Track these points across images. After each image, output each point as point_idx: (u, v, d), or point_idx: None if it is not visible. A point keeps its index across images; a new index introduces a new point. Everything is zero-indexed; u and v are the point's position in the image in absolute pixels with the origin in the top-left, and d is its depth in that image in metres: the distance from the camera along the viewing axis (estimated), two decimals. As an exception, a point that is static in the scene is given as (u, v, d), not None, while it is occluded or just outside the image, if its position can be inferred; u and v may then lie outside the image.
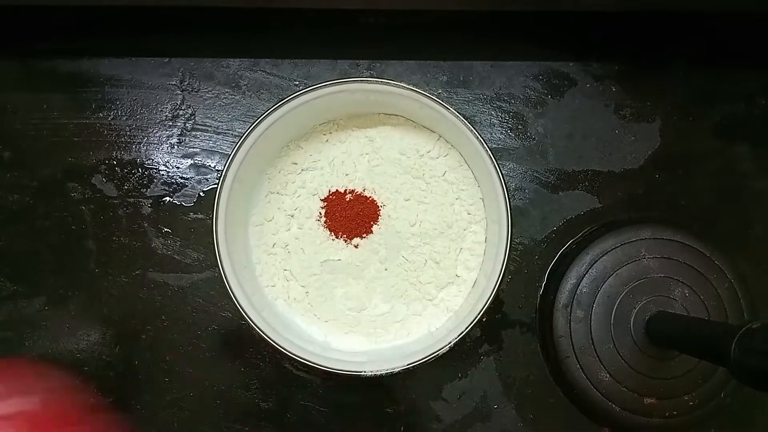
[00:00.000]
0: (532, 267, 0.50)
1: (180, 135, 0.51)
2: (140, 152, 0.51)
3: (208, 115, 0.51)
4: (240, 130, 0.51)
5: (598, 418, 0.47)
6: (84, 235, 0.50)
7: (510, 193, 0.43)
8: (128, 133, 0.51)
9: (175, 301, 0.49)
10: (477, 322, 0.41)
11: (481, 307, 0.42)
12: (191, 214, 0.50)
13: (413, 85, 0.43)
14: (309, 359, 0.41)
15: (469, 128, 0.43)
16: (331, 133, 0.49)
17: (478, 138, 0.43)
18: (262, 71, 0.51)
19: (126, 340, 0.49)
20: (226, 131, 0.51)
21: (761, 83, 0.52)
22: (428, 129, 0.48)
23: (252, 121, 0.43)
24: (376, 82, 0.44)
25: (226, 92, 0.51)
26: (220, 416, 0.48)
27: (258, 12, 0.49)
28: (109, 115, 0.51)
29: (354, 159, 0.48)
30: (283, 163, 0.48)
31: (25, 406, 0.40)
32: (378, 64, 0.51)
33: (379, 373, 0.41)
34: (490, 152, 0.42)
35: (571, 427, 0.48)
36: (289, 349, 0.41)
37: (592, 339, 0.46)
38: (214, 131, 0.51)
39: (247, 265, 0.46)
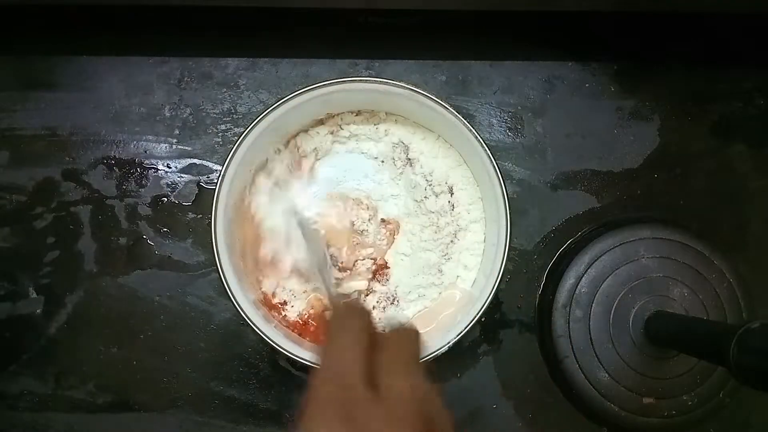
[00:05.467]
0: (530, 267, 0.50)
1: (178, 134, 0.51)
2: (138, 152, 0.50)
3: (207, 115, 0.51)
4: (238, 130, 0.50)
5: (596, 417, 0.47)
6: (82, 235, 0.49)
7: (509, 193, 0.43)
8: (126, 132, 0.50)
9: (173, 301, 0.49)
10: (476, 321, 0.41)
11: (480, 307, 0.42)
12: (190, 213, 0.50)
13: (412, 85, 0.43)
14: (308, 359, 0.41)
15: (468, 128, 0.43)
16: (329, 132, 0.49)
17: (477, 137, 0.43)
18: (261, 71, 0.51)
19: (125, 340, 0.48)
20: (225, 131, 0.50)
21: (759, 83, 0.52)
22: (427, 128, 0.48)
23: (250, 121, 0.43)
24: (375, 82, 0.44)
25: (225, 92, 0.51)
26: (219, 416, 0.48)
27: (257, 12, 0.49)
28: (107, 115, 0.51)
29: (353, 159, 0.48)
30: (282, 162, 0.48)
31: None
32: (377, 64, 0.51)
33: (378, 373, 0.41)
34: (488, 152, 0.42)
35: (569, 427, 0.48)
36: (288, 349, 0.41)
37: (590, 339, 0.46)
38: (212, 130, 0.50)
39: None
